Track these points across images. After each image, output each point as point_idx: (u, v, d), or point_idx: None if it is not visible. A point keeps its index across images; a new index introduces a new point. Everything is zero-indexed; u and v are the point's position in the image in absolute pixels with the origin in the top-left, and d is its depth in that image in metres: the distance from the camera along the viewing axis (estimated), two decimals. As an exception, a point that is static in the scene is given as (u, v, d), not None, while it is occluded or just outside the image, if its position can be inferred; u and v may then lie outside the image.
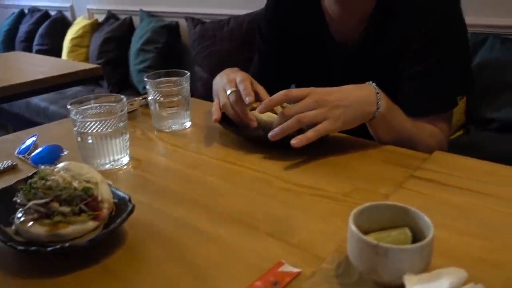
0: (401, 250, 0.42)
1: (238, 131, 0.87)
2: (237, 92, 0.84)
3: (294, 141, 0.74)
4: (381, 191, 0.66)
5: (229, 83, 0.86)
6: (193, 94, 2.56)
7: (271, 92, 0.83)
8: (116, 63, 2.99)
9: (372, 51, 0.94)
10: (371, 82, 0.80)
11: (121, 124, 0.77)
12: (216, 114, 0.86)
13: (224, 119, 0.87)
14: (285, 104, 0.84)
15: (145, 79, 0.92)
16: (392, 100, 0.82)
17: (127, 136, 0.80)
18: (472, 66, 0.95)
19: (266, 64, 1.12)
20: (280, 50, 1.08)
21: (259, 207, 0.64)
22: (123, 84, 3.01)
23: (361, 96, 0.77)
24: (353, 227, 0.45)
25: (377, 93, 0.78)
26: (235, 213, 0.63)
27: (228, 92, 0.85)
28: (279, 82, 1.02)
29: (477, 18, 1.60)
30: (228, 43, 2.29)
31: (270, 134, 0.76)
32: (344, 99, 0.76)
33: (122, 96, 0.78)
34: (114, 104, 0.78)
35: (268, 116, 0.83)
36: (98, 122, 0.74)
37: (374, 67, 0.95)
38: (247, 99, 0.81)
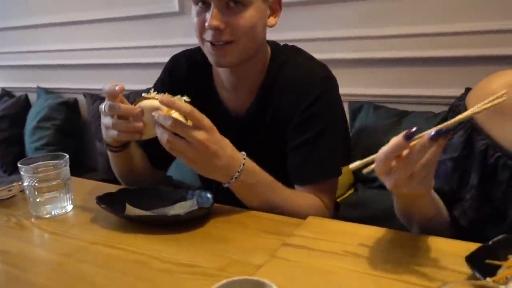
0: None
1: (120, 212, 0.86)
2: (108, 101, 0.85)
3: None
4: (255, 262, 0.68)
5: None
6: (95, 169, 2.49)
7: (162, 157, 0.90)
8: (10, 142, 2.82)
9: (262, 120, 1.00)
10: (244, 153, 0.85)
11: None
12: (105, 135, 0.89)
13: (105, 201, 0.86)
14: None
15: (19, 164, 0.89)
16: (276, 166, 0.87)
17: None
18: (350, 137, 1.04)
19: None
20: None
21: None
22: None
23: (226, 163, 0.82)
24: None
25: (238, 171, 0.83)
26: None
27: (101, 107, 0.86)
28: None
29: (355, 88, 1.80)
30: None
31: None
32: (216, 156, 0.80)
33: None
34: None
35: (150, 103, 0.83)
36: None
37: (263, 135, 1.00)
38: (116, 88, 0.83)
